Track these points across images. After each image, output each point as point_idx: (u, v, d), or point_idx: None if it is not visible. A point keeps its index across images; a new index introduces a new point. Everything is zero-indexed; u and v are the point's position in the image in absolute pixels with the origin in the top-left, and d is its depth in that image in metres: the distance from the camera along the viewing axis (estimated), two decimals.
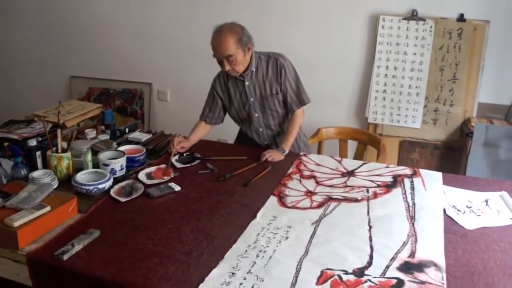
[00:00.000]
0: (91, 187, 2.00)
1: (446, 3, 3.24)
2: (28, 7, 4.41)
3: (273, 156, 2.45)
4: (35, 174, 2.01)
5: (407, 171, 2.31)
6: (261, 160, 2.42)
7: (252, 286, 1.45)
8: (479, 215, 1.93)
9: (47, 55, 4.49)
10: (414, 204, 1.99)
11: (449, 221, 1.88)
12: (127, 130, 2.74)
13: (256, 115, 2.62)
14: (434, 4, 3.25)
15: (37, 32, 4.46)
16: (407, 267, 1.56)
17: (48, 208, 1.75)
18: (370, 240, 1.72)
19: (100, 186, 2.02)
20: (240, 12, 3.67)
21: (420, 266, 1.57)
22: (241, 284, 1.46)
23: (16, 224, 1.64)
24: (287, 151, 2.51)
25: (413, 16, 3.26)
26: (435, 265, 1.58)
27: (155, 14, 3.98)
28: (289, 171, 2.32)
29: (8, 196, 1.83)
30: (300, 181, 2.22)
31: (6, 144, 2.20)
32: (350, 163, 2.42)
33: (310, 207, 1.97)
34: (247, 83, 2.54)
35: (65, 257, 1.57)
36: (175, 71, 4.07)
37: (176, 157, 2.45)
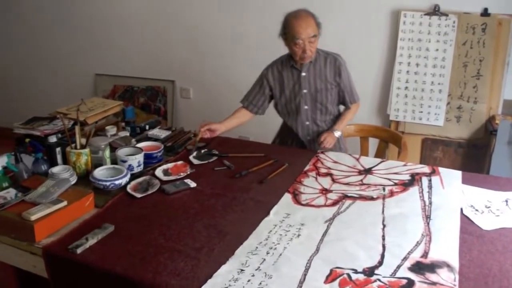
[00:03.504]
0: (108, 183, 2.03)
1: None
2: (54, 7, 4.49)
3: (328, 140, 2.55)
4: (55, 169, 2.05)
5: (426, 169, 2.28)
6: (320, 146, 2.54)
7: (260, 283, 1.46)
8: (498, 216, 1.89)
9: (73, 54, 4.57)
10: (430, 203, 1.97)
11: (466, 221, 1.85)
12: (147, 127, 2.77)
13: (306, 107, 2.65)
14: None
15: (63, 31, 4.55)
16: (418, 267, 1.54)
17: (64, 203, 1.79)
18: (383, 239, 1.71)
19: (117, 182, 2.05)
20: (261, 8, 3.68)
21: (432, 267, 1.55)
22: (249, 280, 1.47)
23: (33, 217, 1.69)
24: (340, 132, 2.64)
25: (435, 11, 3.21)
26: (448, 266, 1.55)
27: (179, 12, 4.00)
28: (306, 168, 2.31)
29: (28, 191, 1.88)
30: (316, 178, 2.22)
31: (27, 140, 2.26)
32: (368, 161, 2.40)
33: (325, 205, 1.96)
34: (303, 73, 2.59)
35: (79, 250, 1.61)
36: (198, 69, 4.10)
37: (194, 153, 2.47)
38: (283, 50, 3.67)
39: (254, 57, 3.83)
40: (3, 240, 1.77)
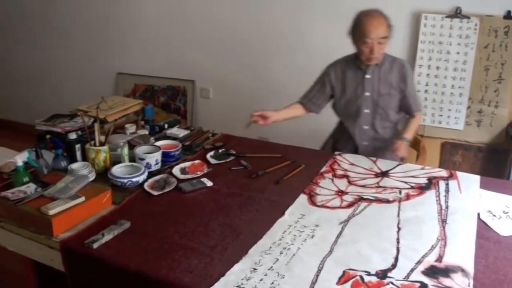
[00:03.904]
0: (125, 180, 2.06)
1: None
2: (77, 7, 4.56)
3: (403, 148, 2.50)
4: (74, 166, 2.09)
5: (443, 173, 2.26)
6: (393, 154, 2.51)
7: (272, 283, 1.47)
8: None
9: (95, 53, 4.63)
10: (447, 207, 1.95)
11: (483, 226, 1.83)
12: (166, 126, 2.80)
13: (366, 111, 2.62)
14: (479, 1, 3.14)
15: (85, 31, 4.61)
16: (432, 271, 1.53)
17: (82, 199, 1.82)
18: (397, 242, 1.70)
19: (135, 179, 2.08)
20: (283, 7, 3.68)
21: (447, 271, 1.54)
22: (261, 280, 1.48)
23: (52, 212, 1.72)
24: (410, 140, 2.60)
25: (457, 13, 3.17)
26: (462, 270, 1.54)
27: (200, 12, 4.03)
28: (322, 170, 2.31)
29: (47, 186, 1.92)
30: (332, 180, 2.21)
31: (48, 136, 2.30)
32: (385, 164, 2.39)
33: (340, 207, 1.96)
34: (368, 76, 2.56)
35: (95, 245, 1.64)
36: (218, 69, 4.12)
37: (212, 153, 2.49)
38: (305, 50, 3.70)
39: (274, 58, 3.85)
40: (22, 234, 1.81)
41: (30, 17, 4.87)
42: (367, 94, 2.58)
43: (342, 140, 2.77)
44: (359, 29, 2.44)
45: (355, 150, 2.69)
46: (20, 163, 2.03)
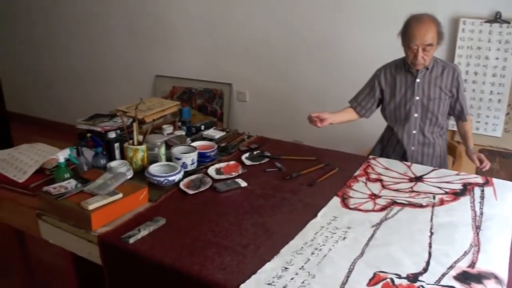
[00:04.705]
0: (162, 179, 2.11)
1: None
2: (118, 12, 4.68)
3: (486, 161, 2.58)
4: (112, 163, 2.15)
5: (479, 179, 2.23)
6: (481, 167, 2.57)
7: (303, 282, 1.48)
8: None
9: (135, 56, 4.74)
10: (481, 213, 1.93)
11: None
12: (202, 127, 2.84)
13: (416, 115, 2.61)
14: None
15: (126, 35, 4.72)
16: (464, 277, 1.52)
17: (120, 195, 1.88)
18: (430, 246, 1.69)
19: (171, 178, 2.13)
20: (319, 15, 3.69)
21: (479, 278, 1.52)
22: (292, 278, 1.50)
23: (91, 207, 1.78)
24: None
25: (496, 18, 3.12)
26: (496, 277, 1.52)
27: (237, 16, 4.08)
28: (356, 174, 2.31)
29: (87, 182, 1.99)
30: (365, 183, 2.21)
31: (89, 135, 2.37)
32: (419, 169, 2.37)
33: (372, 210, 1.96)
34: (418, 80, 2.55)
35: (131, 240, 1.69)
36: (255, 73, 4.16)
37: (247, 154, 2.52)
38: (340, 55, 3.70)
39: (310, 63, 3.86)
40: (63, 227, 1.88)
41: (74, 19, 5.02)
42: (417, 98, 2.57)
43: (390, 145, 2.76)
44: (407, 32, 2.44)
45: (403, 155, 2.68)
46: (62, 160, 2.12)
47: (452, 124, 3.08)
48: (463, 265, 1.58)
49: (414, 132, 2.64)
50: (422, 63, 2.47)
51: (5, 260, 2.66)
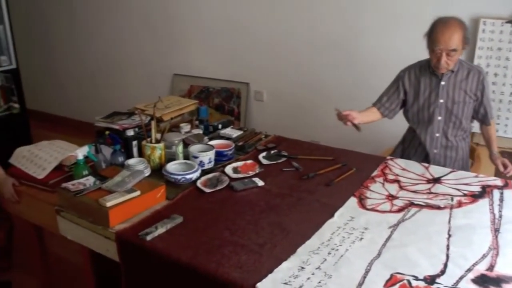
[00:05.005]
0: (179, 177, 2.12)
1: None
2: (137, 11, 4.71)
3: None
4: (130, 161, 2.17)
5: (498, 182, 2.20)
6: (506, 172, 2.53)
7: (319, 282, 1.48)
8: None
9: (153, 54, 4.76)
10: (500, 216, 1.90)
11: None
12: (220, 126, 2.85)
13: (439, 118, 2.58)
14: None
15: (145, 34, 4.75)
16: (483, 280, 1.50)
17: (138, 193, 1.89)
18: (447, 248, 1.67)
19: (188, 177, 2.13)
20: (338, 16, 3.68)
21: (498, 281, 1.50)
22: (308, 278, 1.49)
23: (109, 204, 1.80)
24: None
25: None
26: None
27: (255, 16, 4.08)
28: (373, 174, 2.30)
29: (105, 179, 2.00)
30: (383, 184, 2.20)
31: (107, 132, 2.39)
32: (437, 170, 2.34)
33: (390, 211, 1.95)
34: (443, 83, 2.52)
35: (148, 238, 1.70)
36: (272, 73, 4.15)
37: (264, 154, 2.52)
38: (360, 53, 3.68)
39: (328, 63, 3.84)
40: (81, 224, 1.90)
41: (93, 18, 5.07)
42: (441, 101, 2.54)
43: (411, 147, 2.73)
44: (432, 35, 2.40)
45: (425, 157, 2.65)
46: (80, 157, 2.14)
47: (472, 126, 3.06)
48: (481, 268, 1.56)
49: (437, 135, 2.61)
50: (446, 68, 2.43)
51: (24, 255, 2.69)
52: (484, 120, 2.64)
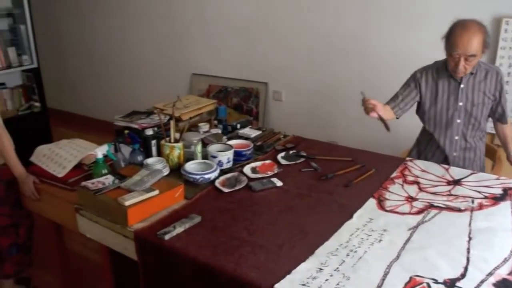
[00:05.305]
0: (198, 176, 2.12)
1: None
2: (156, 12, 4.74)
3: None
4: (149, 160, 2.17)
5: None
6: None
7: (338, 283, 1.46)
8: None
9: (172, 54, 4.79)
10: None
11: None
12: (238, 126, 2.85)
13: (459, 121, 2.54)
14: None
15: (164, 34, 4.78)
16: (504, 285, 1.47)
17: (156, 192, 1.90)
18: (468, 252, 1.65)
19: (206, 176, 2.13)
20: (355, 16, 3.65)
21: None
22: (326, 280, 1.48)
23: (127, 203, 1.80)
24: None
25: None
26: None
27: (273, 16, 4.07)
28: (393, 175, 2.28)
29: (124, 178, 2.01)
30: (402, 186, 2.17)
31: (126, 131, 2.41)
32: (457, 172, 2.31)
33: (409, 213, 1.92)
34: (462, 86, 2.48)
35: (167, 237, 1.70)
36: (291, 72, 4.14)
37: (282, 154, 2.51)
38: (376, 55, 3.65)
39: (346, 63, 3.82)
40: (100, 222, 1.91)
41: (113, 18, 5.11)
42: (460, 104, 2.49)
43: (428, 150, 2.68)
44: (450, 38, 2.34)
45: (444, 160, 2.61)
46: (100, 155, 2.15)
47: (490, 126, 3.02)
48: (503, 272, 1.53)
49: (457, 138, 2.57)
50: (463, 72, 2.38)
51: (44, 253, 2.72)
52: (501, 119, 2.59)
